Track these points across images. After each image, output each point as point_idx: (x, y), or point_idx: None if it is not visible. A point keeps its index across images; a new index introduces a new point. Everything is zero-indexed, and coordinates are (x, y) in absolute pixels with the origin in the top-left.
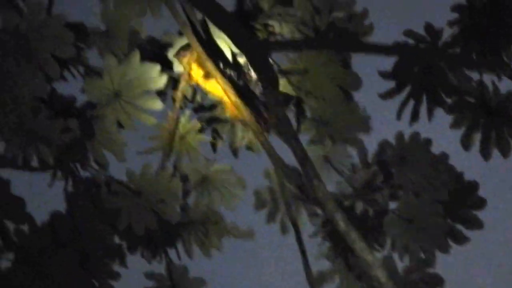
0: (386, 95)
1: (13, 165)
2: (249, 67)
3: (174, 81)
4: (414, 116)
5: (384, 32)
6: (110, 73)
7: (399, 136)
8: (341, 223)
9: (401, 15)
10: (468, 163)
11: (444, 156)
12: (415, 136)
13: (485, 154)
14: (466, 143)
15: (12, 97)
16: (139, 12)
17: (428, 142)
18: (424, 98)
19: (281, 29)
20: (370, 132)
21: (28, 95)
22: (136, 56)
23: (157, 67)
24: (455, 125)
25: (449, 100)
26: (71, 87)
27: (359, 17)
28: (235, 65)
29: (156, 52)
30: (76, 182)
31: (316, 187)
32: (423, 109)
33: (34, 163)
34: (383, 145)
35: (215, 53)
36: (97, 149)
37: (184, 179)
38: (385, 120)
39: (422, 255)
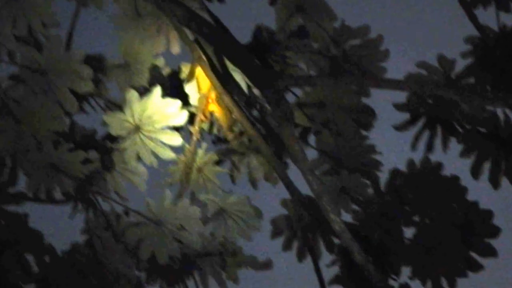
0: (402, 127)
1: (34, 199)
2: (264, 99)
3: (191, 114)
4: (429, 147)
5: (397, 63)
6: (131, 107)
7: (411, 163)
8: (358, 255)
9: (414, 45)
10: (480, 192)
11: (455, 179)
12: (426, 161)
13: (495, 182)
14: (475, 172)
15: (32, 131)
16: (158, 46)
17: (439, 166)
18: (439, 128)
19: (297, 60)
20: (381, 169)
21: (48, 130)
22: (157, 91)
23: (177, 103)
24: (465, 154)
25: (461, 130)
26: (92, 119)
27: (374, 43)
28: (251, 97)
29: (174, 85)
30: (96, 213)
31: (332, 220)
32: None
33: (55, 195)
34: (395, 173)
35: (231, 85)
36: (117, 181)
37: (202, 209)
38: (393, 144)
39: (443, 282)
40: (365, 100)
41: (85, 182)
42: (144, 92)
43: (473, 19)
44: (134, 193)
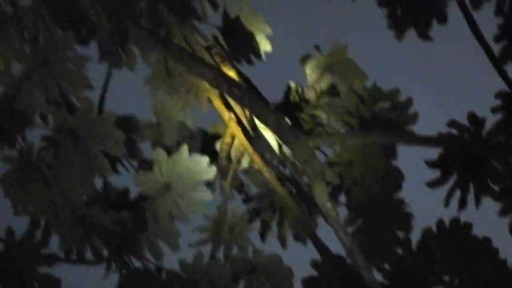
0: (433, 184)
1: (66, 260)
2: (295, 158)
3: (222, 172)
4: (462, 205)
5: (426, 120)
6: (159, 166)
7: (440, 223)
8: None
9: (443, 102)
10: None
11: (487, 241)
12: (456, 221)
13: None
14: None
15: (64, 194)
16: (188, 105)
17: (469, 226)
18: (471, 185)
19: (328, 119)
20: (411, 227)
21: (80, 191)
22: (185, 149)
23: (206, 159)
24: (503, 213)
25: (496, 188)
26: (124, 179)
27: (404, 106)
28: (281, 156)
29: (204, 143)
30: (130, 273)
31: (365, 278)
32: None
33: (88, 256)
34: (427, 233)
35: (261, 145)
36: (150, 240)
37: (234, 268)
38: (423, 201)
39: None
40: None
41: (118, 242)
42: (174, 150)
43: (503, 74)
44: (167, 249)
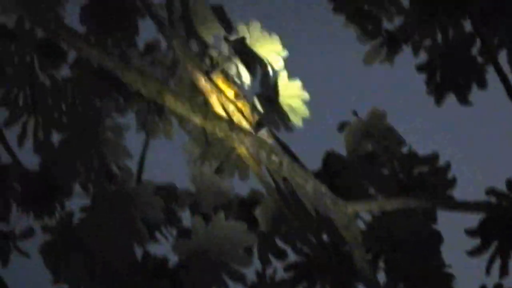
0: (474, 253)
1: None
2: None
3: (260, 238)
4: (503, 272)
5: (465, 184)
6: (197, 234)
7: None
8: None
9: (481, 168)
10: None
11: None
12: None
13: None
14: None
15: (105, 262)
16: (227, 174)
17: None
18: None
19: (366, 185)
20: None
21: (120, 260)
22: (221, 216)
23: (244, 226)
24: None
25: None
26: (164, 247)
27: (442, 170)
28: (321, 222)
29: (243, 209)
30: None
31: None
32: None
33: None
34: None
35: (300, 210)
36: None
37: None
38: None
39: None
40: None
41: None
42: (212, 217)
43: None
44: None
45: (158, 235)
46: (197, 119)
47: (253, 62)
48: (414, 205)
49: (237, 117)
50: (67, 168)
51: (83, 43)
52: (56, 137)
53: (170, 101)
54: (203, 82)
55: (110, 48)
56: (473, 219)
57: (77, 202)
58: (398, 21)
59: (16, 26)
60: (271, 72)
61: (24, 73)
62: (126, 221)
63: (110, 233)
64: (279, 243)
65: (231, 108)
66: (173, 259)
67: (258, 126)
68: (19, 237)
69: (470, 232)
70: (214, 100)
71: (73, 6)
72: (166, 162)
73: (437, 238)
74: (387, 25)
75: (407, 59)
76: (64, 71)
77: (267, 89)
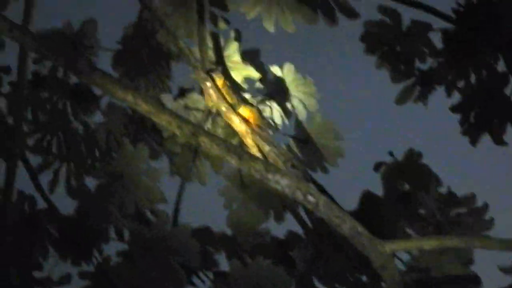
0: None
1: None
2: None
3: (298, 278)
4: None
5: (503, 224)
6: (234, 277)
7: None
8: None
9: None
10: None
11: None
12: None
13: None
14: None
15: None
16: (263, 216)
17: None
18: None
19: (404, 226)
20: None
21: None
22: (259, 259)
23: (281, 270)
24: None
25: None
26: None
27: (480, 211)
28: (359, 262)
29: (280, 252)
30: None
31: None
32: None
33: None
34: None
35: (340, 252)
36: None
37: None
38: None
39: None
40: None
41: None
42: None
43: None
44: None
45: (195, 278)
46: (232, 160)
47: (288, 103)
48: (451, 245)
49: (273, 158)
50: (102, 213)
51: (116, 87)
52: (89, 181)
53: (205, 143)
54: (237, 124)
55: (143, 92)
56: (507, 257)
57: (114, 246)
58: (430, 61)
59: (49, 73)
60: (305, 114)
61: (57, 119)
62: (163, 265)
63: (147, 277)
64: (317, 283)
65: (266, 149)
66: None
67: (293, 167)
68: (56, 284)
69: (505, 270)
70: (249, 141)
71: (103, 52)
72: (202, 204)
73: (475, 279)
74: (419, 64)
75: (442, 99)
76: (97, 117)
77: (302, 130)
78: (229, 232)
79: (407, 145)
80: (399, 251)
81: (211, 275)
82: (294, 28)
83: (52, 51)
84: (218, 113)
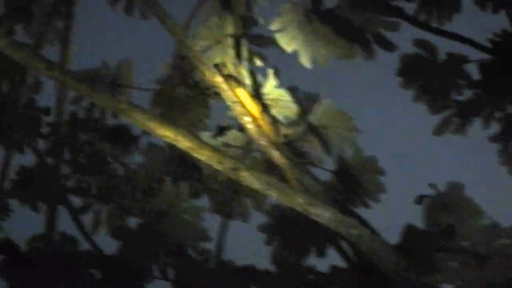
0: None
1: None
2: None
3: None
4: None
5: None
6: None
7: None
8: None
9: None
10: None
11: None
12: None
13: None
14: None
15: None
16: (306, 252)
17: None
18: None
19: (446, 259)
20: None
21: None
22: None
23: None
24: None
25: None
26: None
27: None
28: None
29: (324, 287)
30: None
31: None
32: None
33: None
34: None
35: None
36: None
37: None
38: None
39: None
40: None
41: None
42: None
43: None
44: None
45: None
46: (273, 194)
47: (328, 139)
48: (494, 275)
49: (314, 192)
50: (145, 252)
51: (157, 124)
52: (131, 219)
53: (246, 177)
54: (278, 158)
55: (183, 129)
56: None
57: (159, 286)
58: (467, 92)
59: (86, 114)
60: (345, 148)
61: (96, 161)
62: None
63: None
64: None
65: (307, 183)
66: None
67: (335, 201)
68: None
69: None
70: (290, 174)
71: (139, 91)
72: (245, 242)
73: None
74: (456, 96)
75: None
76: (136, 157)
77: (342, 165)
78: (272, 269)
79: (447, 177)
80: (443, 283)
81: None
82: (326, 62)
83: (91, 90)
84: (258, 149)
